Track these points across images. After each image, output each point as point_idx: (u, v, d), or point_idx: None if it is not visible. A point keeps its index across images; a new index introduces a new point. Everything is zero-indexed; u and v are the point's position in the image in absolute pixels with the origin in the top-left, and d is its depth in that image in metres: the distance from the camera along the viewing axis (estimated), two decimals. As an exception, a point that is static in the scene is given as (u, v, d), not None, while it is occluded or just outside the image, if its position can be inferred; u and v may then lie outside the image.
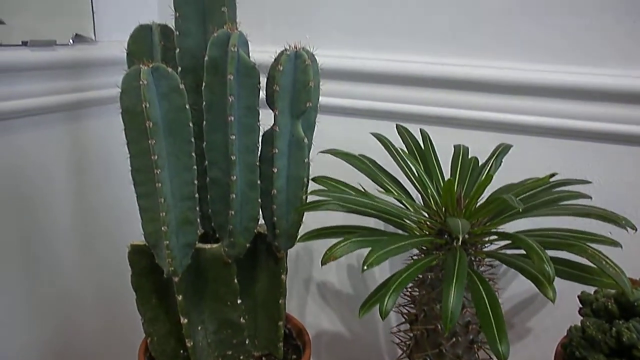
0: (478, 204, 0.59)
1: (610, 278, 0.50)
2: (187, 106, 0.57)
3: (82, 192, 0.83)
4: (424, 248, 0.63)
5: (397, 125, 0.74)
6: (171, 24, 0.66)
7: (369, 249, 0.51)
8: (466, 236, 0.57)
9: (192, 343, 0.67)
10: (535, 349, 0.84)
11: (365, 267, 0.48)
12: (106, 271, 0.88)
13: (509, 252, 0.59)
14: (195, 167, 0.60)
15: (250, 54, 0.61)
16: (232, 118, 0.61)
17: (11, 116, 0.69)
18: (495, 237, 0.58)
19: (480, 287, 0.52)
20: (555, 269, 0.49)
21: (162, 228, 0.59)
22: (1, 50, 0.65)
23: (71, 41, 0.74)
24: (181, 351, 0.73)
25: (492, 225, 0.59)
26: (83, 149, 0.83)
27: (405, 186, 0.69)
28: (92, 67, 0.79)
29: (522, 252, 0.51)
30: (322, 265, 0.54)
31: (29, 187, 0.75)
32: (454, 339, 0.60)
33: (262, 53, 0.68)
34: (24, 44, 0.67)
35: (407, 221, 0.62)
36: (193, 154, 0.59)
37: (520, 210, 0.47)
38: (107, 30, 0.81)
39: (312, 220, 0.70)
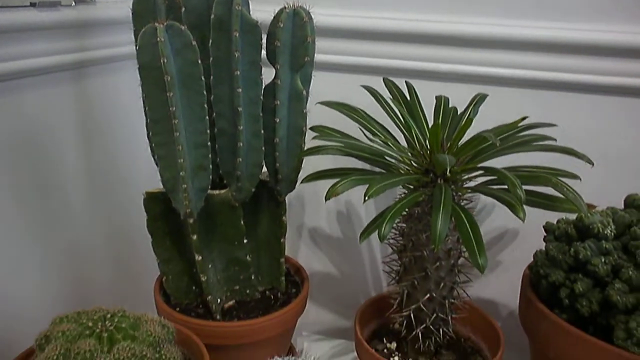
0: (459, 145, 0.67)
1: (570, 203, 0.59)
2: (199, 61, 0.62)
3: (87, 146, 0.88)
4: (411, 187, 0.71)
5: (384, 78, 0.81)
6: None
7: (367, 185, 0.59)
8: (449, 174, 0.66)
9: (205, 278, 0.75)
10: (506, 277, 0.95)
11: (366, 198, 0.55)
12: (117, 220, 0.94)
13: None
14: (207, 117, 0.66)
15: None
16: (238, 72, 0.66)
17: (18, 76, 0.73)
18: (475, 173, 0.66)
19: (462, 213, 0.60)
20: (525, 198, 0.58)
21: (180, 173, 0.65)
22: (10, 12, 0.68)
23: (73, 2, 0.77)
24: (193, 287, 0.80)
25: (472, 164, 0.68)
26: (85, 106, 0.87)
27: (393, 133, 0.77)
28: (92, 27, 0.83)
29: (498, 188, 0.60)
30: (325, 200, 0.61)
31: (38, 141, 0.79)
32: (438, 264, 0.69)
33: (258, 12, 0.73)
34: (32, 5, 0.70)
35: (396, 162, 0.70)
36: (205, 105, 0.65)
37: (497, 144, 0.55)
38: (104, -10, 0.84)
39: (307, 166, 0.77)
